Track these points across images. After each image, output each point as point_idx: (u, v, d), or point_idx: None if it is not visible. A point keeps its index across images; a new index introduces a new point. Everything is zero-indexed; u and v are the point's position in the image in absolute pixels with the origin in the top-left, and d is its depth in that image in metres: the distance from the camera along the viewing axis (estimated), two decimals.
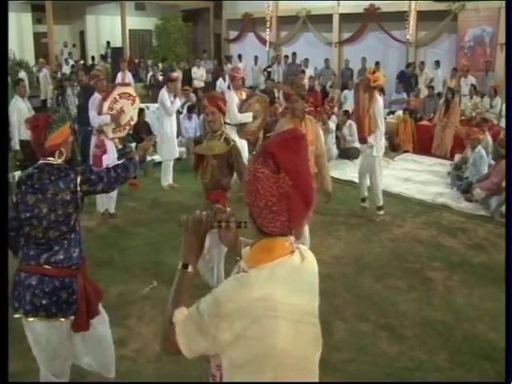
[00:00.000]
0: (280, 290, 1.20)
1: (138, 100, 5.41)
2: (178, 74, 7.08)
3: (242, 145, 5.52)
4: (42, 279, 2.26)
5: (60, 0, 13.17)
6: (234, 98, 5.63)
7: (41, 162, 2.32)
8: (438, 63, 11.09)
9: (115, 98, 5.20)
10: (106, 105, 5.16)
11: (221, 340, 1.20)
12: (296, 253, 1.28)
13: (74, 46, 18.06)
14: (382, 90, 10.87)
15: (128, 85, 5.60)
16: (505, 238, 4.20)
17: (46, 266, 2.27)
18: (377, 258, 4.40)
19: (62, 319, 2.31)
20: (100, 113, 5.10)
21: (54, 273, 2.28)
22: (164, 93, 6.17)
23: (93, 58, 16.03)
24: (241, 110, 5.66)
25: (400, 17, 11.76)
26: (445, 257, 4.55)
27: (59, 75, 10.24)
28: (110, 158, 5.23)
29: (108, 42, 17.05)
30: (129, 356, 3.18)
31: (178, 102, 6.38)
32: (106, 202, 5.41)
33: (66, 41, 16.74)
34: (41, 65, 12.34)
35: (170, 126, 6.38)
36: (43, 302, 2.25)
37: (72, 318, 2.33)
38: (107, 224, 5.39)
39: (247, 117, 5.66)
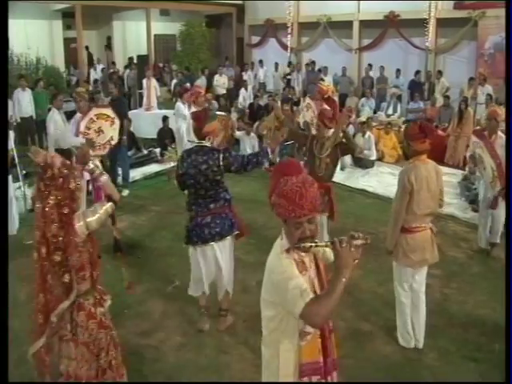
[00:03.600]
0: None
1: (116, 121, 5.59)
2: (188, 85, 8.06)
3: None
4: (214, 216, 3.50)
5: (89, 0, 13.59)
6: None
7: (196, 144, 3.47)
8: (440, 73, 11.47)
9: (92, 118, 5.39)
10: (83, 124, 5.34)
11: None
12: None
13: (107, 46, 17.36)
14: (399, 98, 11.15)
15: (106, 106, 5.71)
16: (505, 249, 4.49)
17: (215, 210, 3.49)
18: (381, 265, 4.70)
19: (228, 237, 3.57)
20: (76, 132, 5.37)
21: (219, 211, 3.52)
22: (179, 105, 7.39)
23: (113, 62, 15.43)
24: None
25: (420, 23, 11.89)
26: (445, 265, 4.81)
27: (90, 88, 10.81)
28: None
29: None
30: (152, 345, 3.62)
31: (193, 109, 6.87)
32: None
33: (98, 57, 15.99)
34: None
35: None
36: (217, 229, 3.50)
37: (234, 234, 3.60)
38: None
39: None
